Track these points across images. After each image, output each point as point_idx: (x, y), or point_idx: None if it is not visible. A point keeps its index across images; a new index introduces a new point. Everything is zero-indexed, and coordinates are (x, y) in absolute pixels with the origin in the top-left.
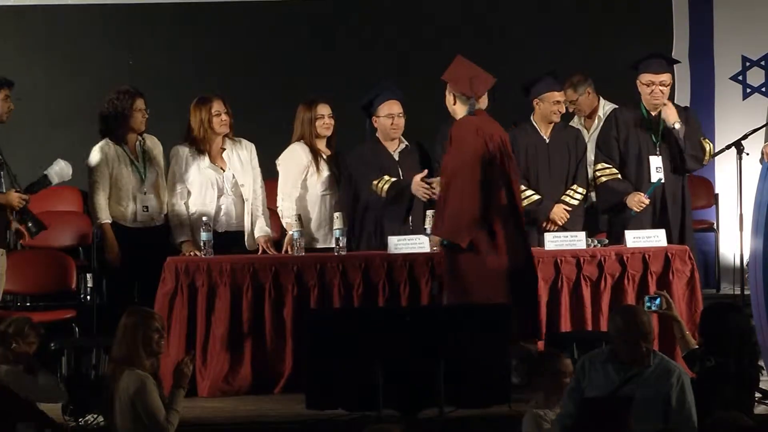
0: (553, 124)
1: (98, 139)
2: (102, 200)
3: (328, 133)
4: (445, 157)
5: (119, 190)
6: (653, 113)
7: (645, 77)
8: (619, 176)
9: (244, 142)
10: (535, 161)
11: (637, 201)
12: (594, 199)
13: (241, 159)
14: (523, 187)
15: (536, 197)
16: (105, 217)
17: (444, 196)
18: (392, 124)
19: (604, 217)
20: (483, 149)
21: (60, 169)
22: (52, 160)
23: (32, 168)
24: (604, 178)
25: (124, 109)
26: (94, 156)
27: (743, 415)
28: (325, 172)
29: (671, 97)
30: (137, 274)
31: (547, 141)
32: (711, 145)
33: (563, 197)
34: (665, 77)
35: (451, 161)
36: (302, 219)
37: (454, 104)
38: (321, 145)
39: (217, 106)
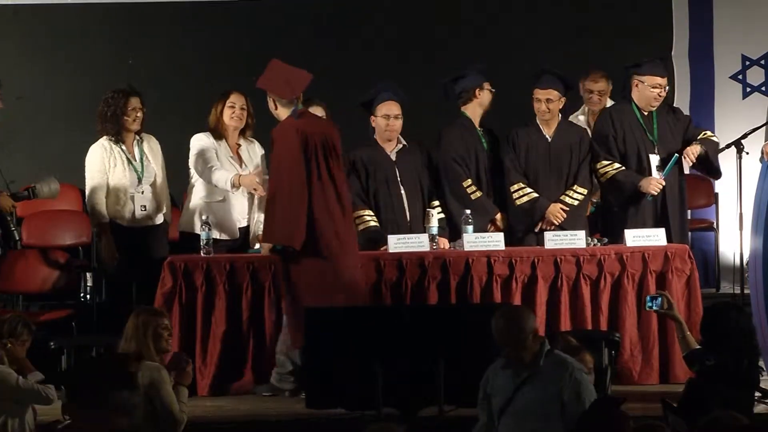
0: (557, 123)
1: (97, 138)
2: (100, 200)
3: None
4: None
5: (117, 189)
6: (646, 112)
7: (652, 79)
8: (624, 169)
9: (257, 143)
10: (535, 160)
11: (655, 184)
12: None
13: (254, 156)
14: (520, 185)
15: (534, 195)
16: (103, 217)
17: (271, 202)
18: (387, 125)
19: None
20: (302, 149)
21: (49, 190)
22: (52, 160)
23: (31, 167)
24: (610, 174)
25: (118, 108)
26: (92, 155)
27: (740, 414)
28: None
29: (670, 97)
30: (135, 274)
31: (549, 140)
32: None
33: (562, 196)
34: (666, 80)
35: (273, 165)
36: None
37: (276, 109)
38: None
39: (234, 99)
